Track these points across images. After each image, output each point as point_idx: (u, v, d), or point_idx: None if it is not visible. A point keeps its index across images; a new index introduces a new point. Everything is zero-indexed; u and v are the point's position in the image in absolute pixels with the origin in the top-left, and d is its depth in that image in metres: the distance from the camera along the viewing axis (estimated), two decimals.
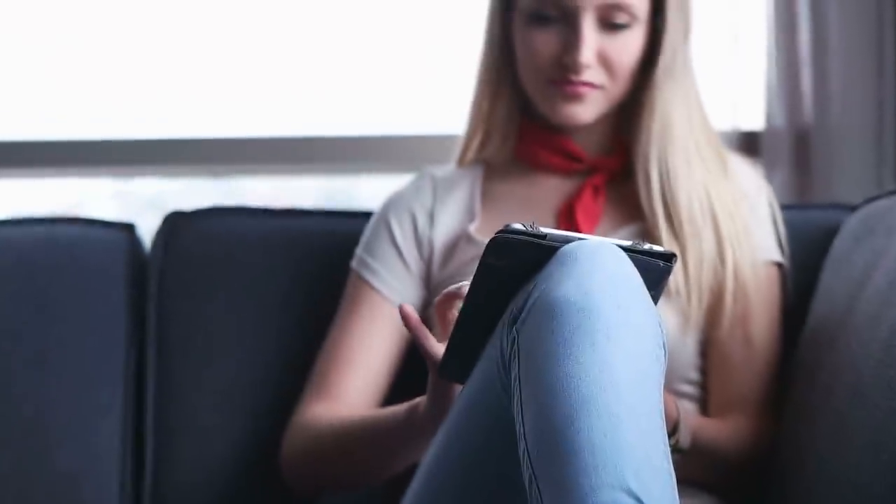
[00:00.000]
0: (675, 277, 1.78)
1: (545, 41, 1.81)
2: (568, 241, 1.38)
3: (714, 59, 2.43)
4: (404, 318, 1.49)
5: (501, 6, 1.88)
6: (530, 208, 1.89)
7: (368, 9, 2.56)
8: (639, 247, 1.40)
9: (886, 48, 2.46)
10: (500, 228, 1.38)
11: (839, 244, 1.87)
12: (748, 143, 2.48)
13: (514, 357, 1.33)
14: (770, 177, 2.39)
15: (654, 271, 1.40)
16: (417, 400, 1.59)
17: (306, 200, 2.60)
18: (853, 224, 1.87)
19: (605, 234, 1.83)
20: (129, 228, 2.06)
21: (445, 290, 1.52)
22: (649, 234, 1.82)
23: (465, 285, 1.44)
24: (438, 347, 1.49)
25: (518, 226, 1.38)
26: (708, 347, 1.83)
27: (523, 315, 1.34)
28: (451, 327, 1.45)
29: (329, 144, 2.53)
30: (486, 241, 1.72)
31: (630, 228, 1.85)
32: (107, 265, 2.01)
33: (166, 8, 2.57)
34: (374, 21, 2.56)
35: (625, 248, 1.39)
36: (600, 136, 1.89)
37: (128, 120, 2.55)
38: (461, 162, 1.96)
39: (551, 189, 1.89)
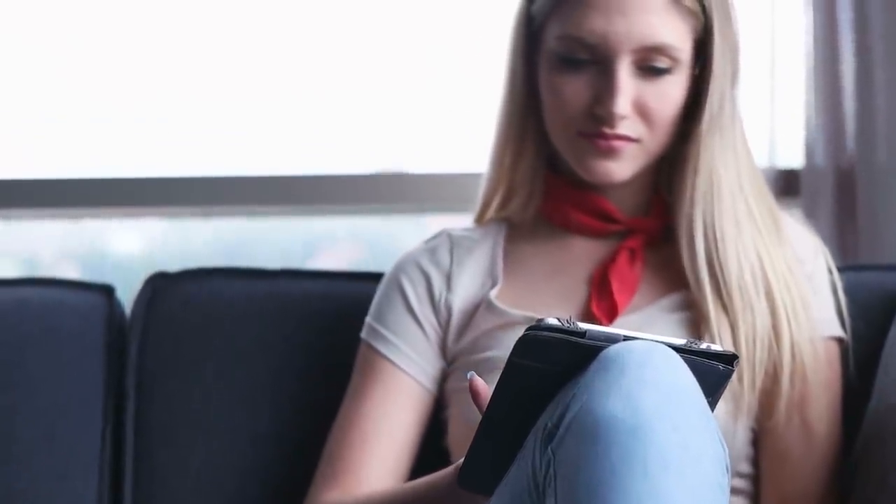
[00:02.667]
0: None
1: (575, 89, 1.63)
2: (611, 340, 1.22)
3: (750, 92, 2.28)
4: (474, 392, 1.34)
5: (525, 46, 1.69)
6: (558, 274, 1.72)
7: (369, 51, 2.48)
8: (695, 346, 1.24)
9: None
10: (533, 324, 1.23)
11: None
12: (786, 182, 2.36)
13: (550, 483, 1.18)
14: (809, 218, 2.26)
15: (713, 375, 1.25)
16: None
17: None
18: None
19: (643, 306, 1.68)
20: (107, 291, 1.91)
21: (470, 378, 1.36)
22: (694, 306, 1.66)
23: (473, 376, 1.32)
24: None
25: (552, 321, 1.22)
26: (761, 436, 1.68)
27: (560, 432, 1.19)
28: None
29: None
30: (508, 309, 1.56)
31: (671, 299, 1.68)
32: (82, 333, 1.86)
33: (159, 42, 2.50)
34: (375, 62, 2.48)
35: (678, 349, 1.23)
36: (637, 193, 1.72)
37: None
38: (480, 220, 1.80)
39: (582, 253, 1.72)
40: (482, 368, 1.64)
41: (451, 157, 2.46)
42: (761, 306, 1.64)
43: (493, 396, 1.28)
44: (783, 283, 1.66)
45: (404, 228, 2.59)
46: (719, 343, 1.62)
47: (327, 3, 2.46)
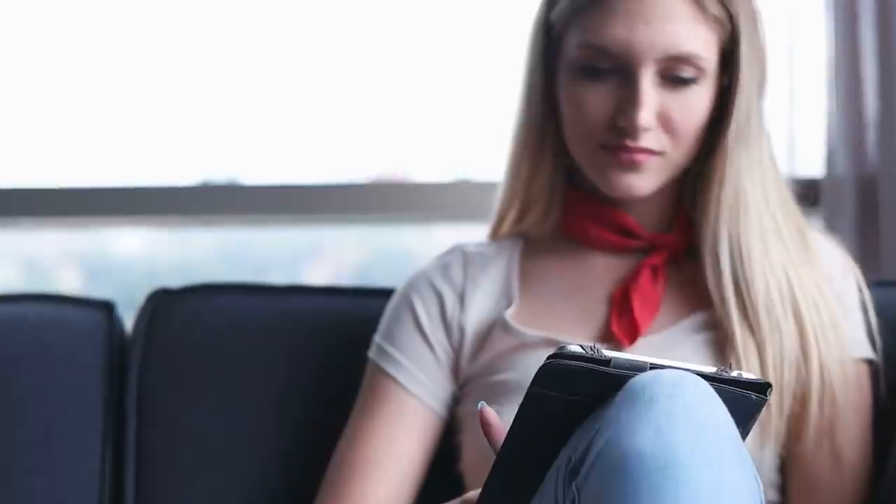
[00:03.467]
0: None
1: (596, 99, 1.56)
2: (637, 368, 1.16)
3: (768, 99, 2.24)
4: (484, 423, 1.28)
5: (543, 56, 1.63)
6: (577, 292, 1.66)
7: (372, 58, 2.44)
8: (726, 375, 1.18)
9: None
10: (554, 351, 1.16)
11: None
12: (806, 192, 2.25)
13: None
14: (830, 229, 2.20)
15: (745, 406, 1.19)
16: None
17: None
18: None
19: (666, 326, 1.61)
20: (107, 308, 1.84)
21: (481, 409, 1.29)
22: (719, 326, 1.59)
23: (484, 406, 1.26)
24: None
25: (575, 348, 1.16)
26: (788, 463, 1.61)
27: (585, 468, 1.13)
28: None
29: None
30: (525, 329, 1.55)
31: (695, 319, 1.61)
32: (81, 352, 1.79)
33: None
34: (377, 70, 2.45)
35: (708, 378, 1.17)
36: (659, 208, 1.65)
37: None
38: (495, 234, 1.73)
39: (602, 270, 1.65)
40: (497, 391, 1.58)
41: (449, 165, 2.43)
42: (789, 327, 1.58)
43: (511, 428, 1.21)
44: (811, 302, 1.60)
45: (398, 238, 2.58)
46: (746, 366, 1.55)
47: (332, 10, 2.43)
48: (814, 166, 2.28)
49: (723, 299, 1.58)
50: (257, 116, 2.44)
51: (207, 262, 2.64)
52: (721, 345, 1.58)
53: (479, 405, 1.31)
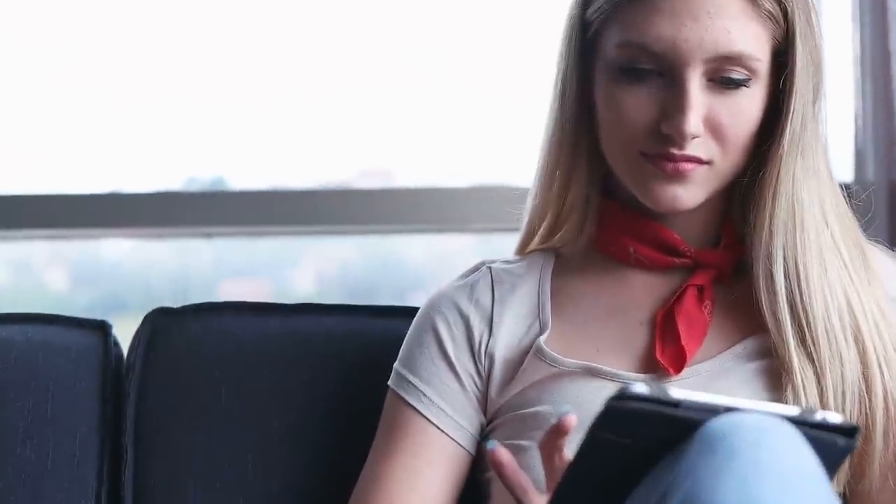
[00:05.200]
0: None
1: (638, 104, 1.44)
2: (710, 410, 1.07)
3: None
4: (496, 463, 1.25)
5: (579, 56, 1.50)
6: (615, 315, 1.53)
7: (359, 66, 2.47)
8: (810, 418, 1.09)
9: None
10: (618, 392, 1.07)
11: None
12: None
13: None
14: None
15: (832, 451, 1.09)
16: None
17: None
18: None
19: (715, 353, 1.49)
20: (102, 328, 1.72)
21: (553, 425, 1.22)
22: (774, 353, 1.46)
23: (570, 414, 1.19)
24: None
25: (641, 389, 1.06)
26: (851, 502, 1.49)
27: None
28: (558, 474, 1.19)
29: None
30: (561, 357, 1.46)
31: (747, 344, 1.49)
32: (73, 379, 1.67)
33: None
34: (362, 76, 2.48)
35: (791, 420, 1.08)
36: (704, 222, 1.53)
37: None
38: (523, 250, 1.61)
39: (642, 290, 1.53)
40: (530, 425, 1.46)
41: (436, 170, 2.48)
42: (850, 354, 1.46)
43: (566, 473, 1.13)
44: (874, 326, 1.48)
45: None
46: (804, 397, 1.43)
47: (317, 10, 2.43)
48: (842, 171, 2.26)
49: (778, 323, 1.46)
50: (244, 117, 2.43)
51: (201, 270, 2.60)
52: (776, 374, 1.45)
53: (490, 445, 1.24)
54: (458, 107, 2.41)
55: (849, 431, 1.07)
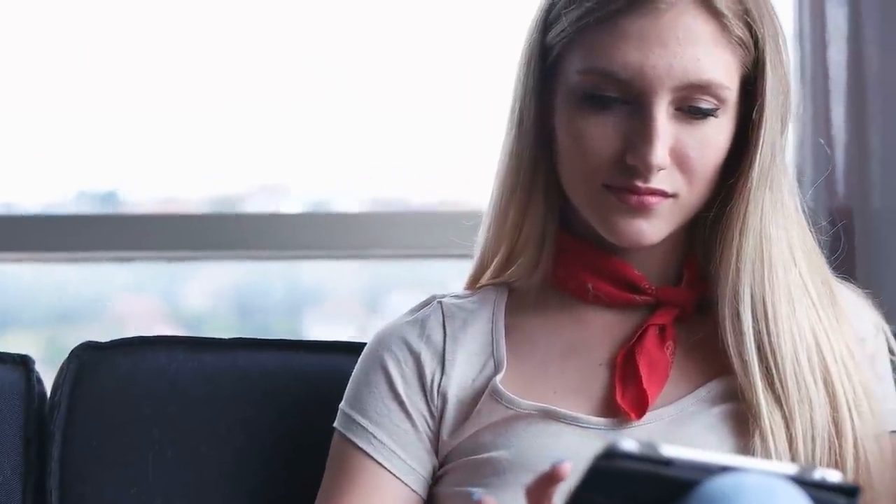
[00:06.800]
0: (779, 456, 1.38)
1: (602, 133, 1.38)
2: (705, 469, 1.00)
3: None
4: None
5: (538, 80, 1.44)
6: (573, 354, 1.46)
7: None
8: (809, 477, 1.02)
9: None
10: (605, 450, 0.99)
11: None
12: None
13: None
14: None
15: None
16: None
17: None
18: None
19: (678, 396, 1.42)
20: (24, 363, 1.63)
21: (544, 473, 1.12)
22: (741, 396, 1.40)
23: (564, 463, 1.11)
24: None
25: (629, 446, 0.99)
26: None
27: None
28: None
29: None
30: (518, 398, 1.41)
31: (712, 387, 1.42)
32: None
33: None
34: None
35: (790, 479, 1.01)
36: (665, 257, 1.47)
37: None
38: (474, 284, 1.53)
39: (601, 329, 1.47)
40: (485, 472, 1.39)
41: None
42: (819, 397, 1.40)
43: None
44: (843, 367, 1.42)
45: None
46: (772, 443, 1.38)
47: (226, 31, 2.40)
48: None
49: (745, 365, 1.40)
50: (137, 130, 2.39)
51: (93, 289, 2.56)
52: (743, 418, 1.39)
53: (475, 496, 1.16)
54: (357, 123, 2.38)
55: (849, 491, 1.01)
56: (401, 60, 2.38)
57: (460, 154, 2.41)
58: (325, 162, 2.43)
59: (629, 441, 0.98)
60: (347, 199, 2.52)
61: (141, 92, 2.38)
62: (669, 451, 0.99)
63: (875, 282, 2.19)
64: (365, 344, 1.51)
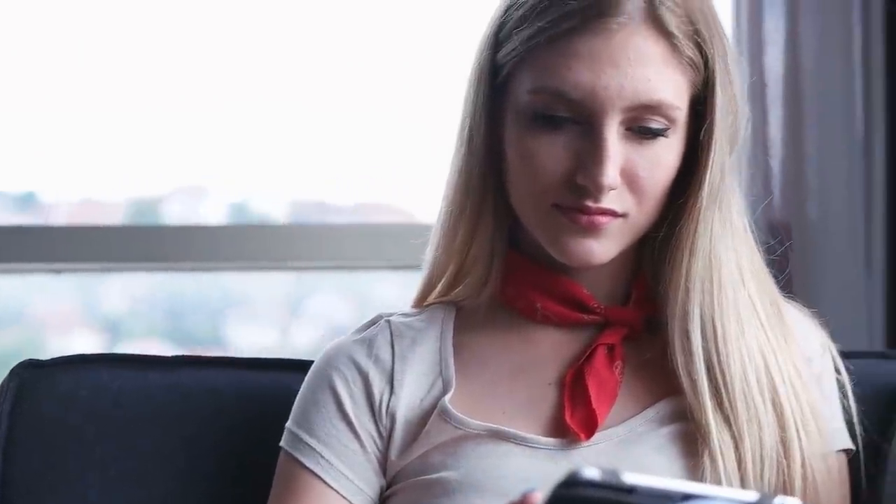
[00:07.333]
0: (728, 477, 1.38)
1: (552, 153, 1.37)
2: (666, 497, 0.98)
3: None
4: None
5: (488, 99, 1.42)
6: (521, 374, 1.44)
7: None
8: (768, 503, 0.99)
9: (875, 131, 2.30)
10: (567, 478, 0.97)
11: None
12: None
13: None
14: None
15: None
16: None
17: None
18: None
19: (627, 416, 1.42)
20: None
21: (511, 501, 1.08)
22: (689, 417, 1.40)
23: (534, 493, 1.06)
24: None
25: (591, 473, 0.98)
26: None
27: None
28: None
29: None
30: (467, 418, 1.40)
31: (660, 407, 1.42)
32: None
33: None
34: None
35: None
36: (614, 277, 1.46)
37: None
38: (421, 303, 1.52)
39: (549, 348, 1.46)
40: (435, 492, 1.37)
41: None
42: (768, 417, 1.40)
43: None
44: (790, 388, 1.42)
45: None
46: (722, 463, 1.37)
47: (148, 32, 2.39)
48: None
49: (694, 385, 1.39)
50: (55, 130, 2.36)
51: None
52: (692, 439, 1.38)
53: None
54: (276, 125, 2.37)
55: None
56: (332, 63, 2.38)
57: (377, 158, 2.40)
58: (245, 164, 2.41)
59: (591, 468, 0.97)
60: (266, 202, 2.50)
61: (58, 92, 2.34)
62: (632, 478, 0.97)
63: (813, 296, 2.21)
64: (312, 362, 1.50)
